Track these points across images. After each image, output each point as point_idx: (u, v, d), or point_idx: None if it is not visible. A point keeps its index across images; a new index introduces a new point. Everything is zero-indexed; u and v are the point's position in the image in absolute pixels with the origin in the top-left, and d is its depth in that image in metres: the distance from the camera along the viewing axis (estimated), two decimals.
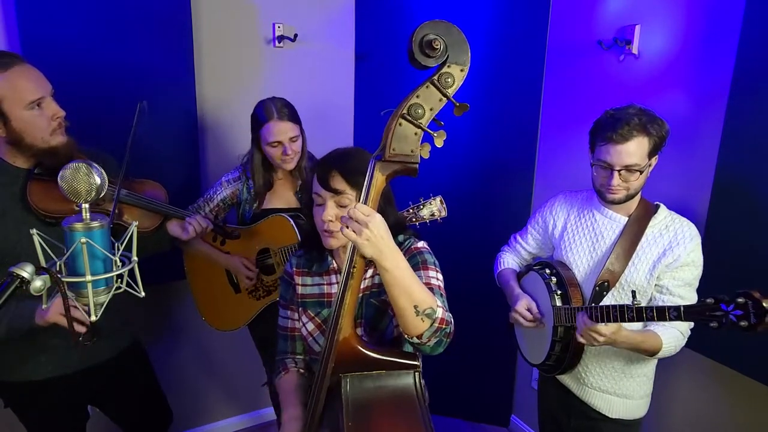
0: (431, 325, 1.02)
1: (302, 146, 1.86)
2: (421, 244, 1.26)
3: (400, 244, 1.21)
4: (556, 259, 1.67)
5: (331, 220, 1.16)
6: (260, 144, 1.82)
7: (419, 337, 1.03)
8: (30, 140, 1.34)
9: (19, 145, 1.35)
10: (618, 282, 1.47)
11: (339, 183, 1.14)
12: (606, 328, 1.32)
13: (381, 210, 1.03)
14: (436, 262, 1.24)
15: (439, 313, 1.03)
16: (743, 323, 1.08)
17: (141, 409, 1.76)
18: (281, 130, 1.76)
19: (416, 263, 1.20)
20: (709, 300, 1.14)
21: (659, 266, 1.43)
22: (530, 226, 1.78)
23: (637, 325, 1.46)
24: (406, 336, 1.06)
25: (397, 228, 1.03)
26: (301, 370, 1.34)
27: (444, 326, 1.04)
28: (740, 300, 1.08)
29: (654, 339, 1.38)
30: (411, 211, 1.75)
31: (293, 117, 1.80)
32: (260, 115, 1.79)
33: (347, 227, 0.97)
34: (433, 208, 1.75)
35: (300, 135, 1.84)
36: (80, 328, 1.31)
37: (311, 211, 1.25)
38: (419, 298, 1.01)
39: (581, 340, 1.39)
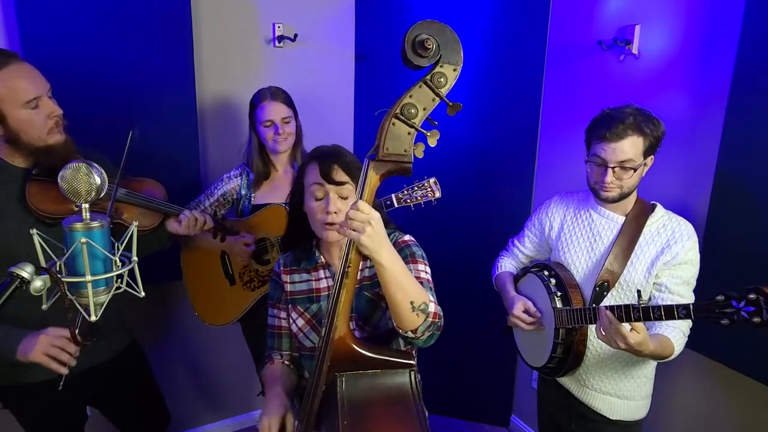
0: (425, 319, 1.06)
1: (297, 132, 1.93)
2: (407, 237, 1.30)
3: None
4: (553, 260, 1.66)
5: (336, 212, 1.20)
6: (256, 127, 1.89)
7: (414, 331, 1.06)
8: (27, 139, 1.34)
9: (16, 144, 1.35)
10: (617, 282, 1.46)
11: (341, 175, 1.21)
12: (632, 336, 1.23)
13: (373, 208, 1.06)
14: (424, 254, 1.28)
15: (432, 307, 1.07)
16: (756, 319, 1.05)
17: (139, 410, 1.76)
18: (274, 109, 1.84)
19: (405, 256, 1.23)
20: (719, 297, 1.12)
21: (657, 264, 1.42)
22: (527, 229, 1.78)
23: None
24: (400, 330, 1.08)
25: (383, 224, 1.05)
26: (286, 362, 1.37)
27: (437, 320, 1.08)
28: (751, 296, 1.06)
29: (668, 344, 1.35)
30: (406, 192, 1.79)
31: (286, 100, 1.89)
32: (256, 99, 1.88)
33: (348, 226, 0.98)
34: (427, 188, 1.78)
35: (293, 118, 1.90)
36: (71, 361, 1.31)
37: (299, 209, 1.29)
38: (414, 293, 1.04)
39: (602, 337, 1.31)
